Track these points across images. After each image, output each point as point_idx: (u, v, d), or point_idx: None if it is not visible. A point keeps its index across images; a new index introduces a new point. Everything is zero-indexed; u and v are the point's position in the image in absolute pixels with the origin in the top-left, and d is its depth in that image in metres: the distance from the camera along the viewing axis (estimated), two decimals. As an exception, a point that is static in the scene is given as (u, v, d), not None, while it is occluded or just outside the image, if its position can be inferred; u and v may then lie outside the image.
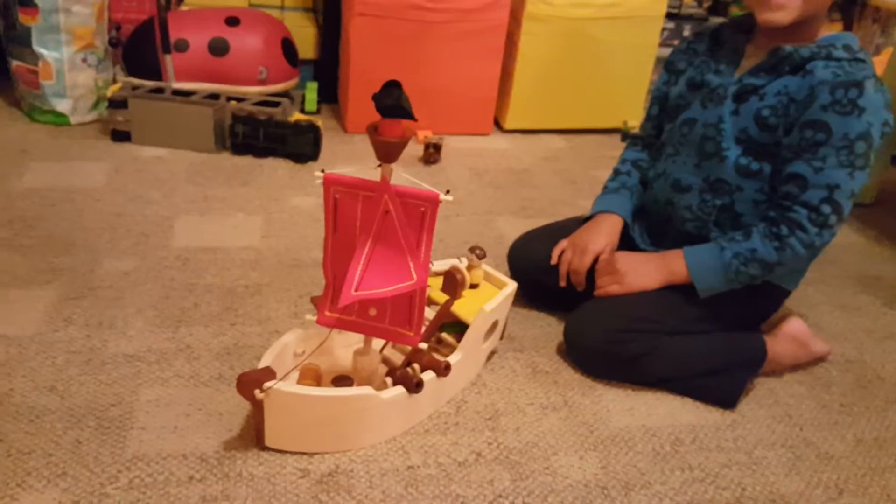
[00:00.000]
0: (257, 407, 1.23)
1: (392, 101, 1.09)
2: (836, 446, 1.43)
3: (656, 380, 1.51)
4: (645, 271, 1.52)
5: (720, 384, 1.49)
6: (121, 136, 2.35)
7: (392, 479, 1.25)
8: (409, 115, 1.11)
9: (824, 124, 1.35)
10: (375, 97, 1.11)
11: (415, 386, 1.30)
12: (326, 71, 2.85)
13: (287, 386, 1.22)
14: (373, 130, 1.14)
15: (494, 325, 1.50)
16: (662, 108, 1.66)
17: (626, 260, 1.54)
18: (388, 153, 1.15)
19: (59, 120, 2.43)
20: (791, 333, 1.59)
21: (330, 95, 2.85)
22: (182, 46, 2.50)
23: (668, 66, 1.65)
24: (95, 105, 2.48)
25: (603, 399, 1.49)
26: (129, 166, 2.22)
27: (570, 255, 1.60)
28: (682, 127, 1.54)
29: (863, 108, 1.33)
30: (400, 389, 1.30)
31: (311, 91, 2.69)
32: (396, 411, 1.32)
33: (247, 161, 2.33)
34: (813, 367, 1.65)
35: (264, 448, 1.28)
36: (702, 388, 1.50)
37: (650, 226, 1.64)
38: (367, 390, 1.26)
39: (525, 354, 1.59)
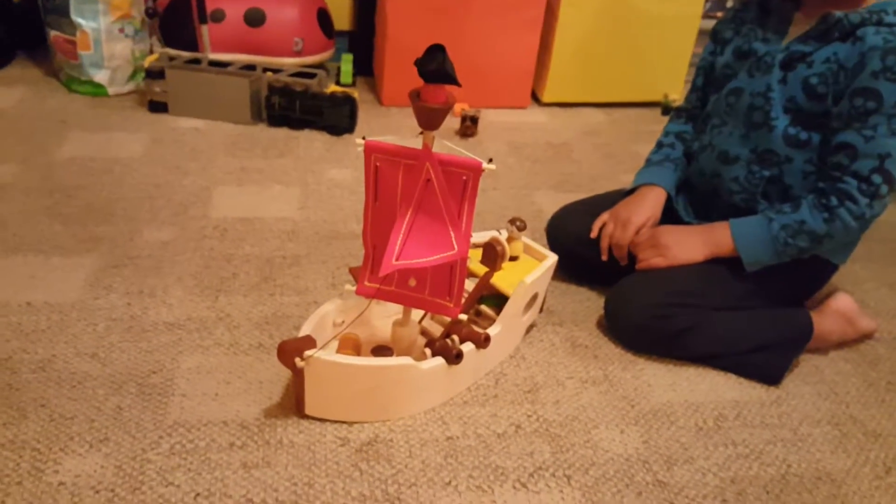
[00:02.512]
0: (297, 375, 1.23)
1: (436, 66, 1.07)
2: (884, 424, 1.40)
3: (700, 356, 1.49)
4: (690, 244, 1.49)
5: (765, 361, 1.47)
6: (158, 107, 2.35)
7: (431, 449, 1.24)
8: (453, 81, 1.09)
9: (875, 92, 1.31)
10: (418, 62, 1.09)
11: (454, 357, 1.29)
12: (362, 43, 2.83)
13: (327, 354, 1.22)
14: (415, 97, 1.12)
15: (534, 297, 1.49)
16: (708, 79, 1.62)
17: (670, 232, 1.51)
18: (430, 120, 1.13)
19: (97, 91, 2.43)
20: (838, 309, 1.56)
21: (365, 68, 2.83)
22: (218, 17, 2.49)
23: (714, 36, 1.61)
24: (132, 76, 2.48)
25: (644, 374, 1.47)
26: (167, 137, 2.22)
27: (611, 228, 1.57)
28: (729, 97, 1.50)
29: None
30: (439, 360, 1.29)
31: (347, 63, 2.68)
32: (435, 382, 1.31)
33: (283, 133, 2.32)
34: (859, 345, 1.61)
35: (304, 416, 1.27)
36: (746, 364, 1.47)
37: (695, 199, 1.61)
38: (406, 360, 1.25)
39: (564, 328, 1.58)
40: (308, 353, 1.19)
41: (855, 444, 1.35)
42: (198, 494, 1.13)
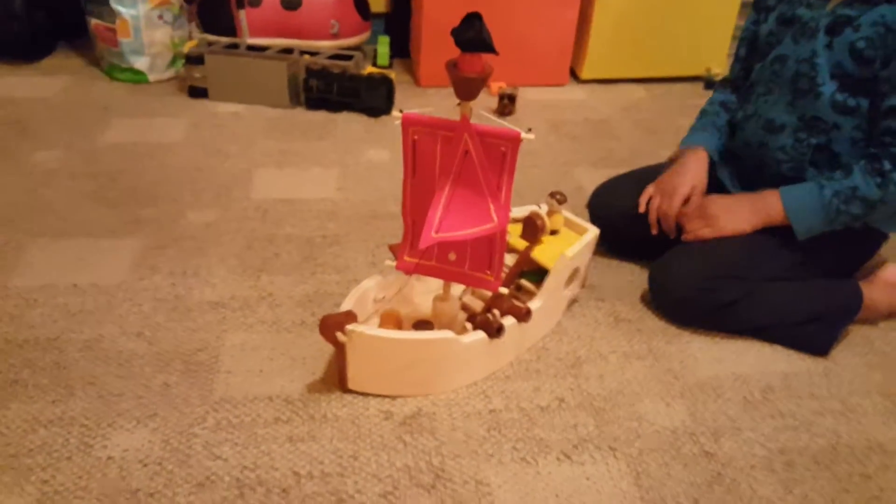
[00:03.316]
0: (340, 350, 1.23)
1: (473, 34, 1.06)
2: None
3: (747, 328, 1.47)
4: (739, 213, 1.46)
5: (814, 332, 1.44)
6: (198, 92, 2.37)
7: (475, 422, 1.24)
8: (490, 49, 1.08)
9: None
10: (455, 31, 1.08)
11: (496, 331, 1.29)
12: (398, 25, 2.82)
13: (369, 329, 1.22)
14: (452, 66, 1.11)
15: (575, 271, 1.47)
16: (752, 48, 1.59)
17: (718, 202, 1.49)
18: (468, 90, 1.12)
19: (138, 77, 2.46)
20: (888, 280, 1.52)
21: (402, 50, 2.82)
22: (255, 1, 2.50)
23: (756, 5, 1.58)
24: (172, 62, 2.50)
25: (689, 347, 1.45)
26: (207, 122, 2.24)
27: (658, 201, 1.55)
28: (774, 64, 1.47)
29: None
30: (480, 334, 1.28)
31: (384, 45, 2.67)
32: (477, 356, 1.31)
33: (321, 116, 2.33)
34: (911, 316, 1.58)
35: (347, 391, 1.28)
36: (794, 336, 1.45)
37: (741, 170, 1.58)
38: (448, 334, 1.25)
39: (607, 303, 1.56)
40: (350, 327, 1.20)
41: (907, 415, 1.32)
42: (245, 468, 1.14)
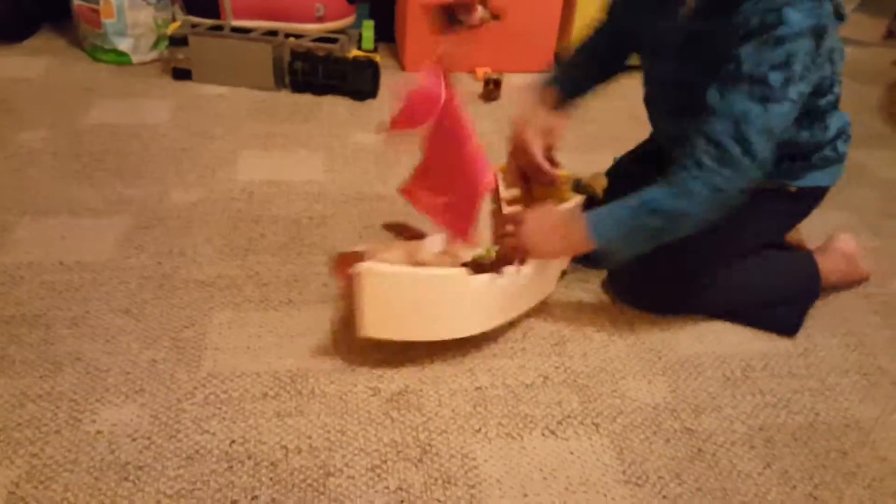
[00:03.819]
0: (353, 287, 1.22)
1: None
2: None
3: (717, 312, 1.50)
4: (549, 241, 1.34)
5: (782, 315, 1.48)
6: (182, 73, 2.36)
7: (461, 399, 1.26)
8: None
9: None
10: None
11: (520, 262, 1.33)
12: (382, 9, 2.82)
13: (382, 265, 1.23)
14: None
15: None
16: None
17: (533, 221, 1.34)
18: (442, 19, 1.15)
19: (121, 59, 2.44)
20: (842, 250, 1.57)
21: (386, 34, 2.82)
22: (240, -17, 2.49)
23: None
24: (156, 44, 2.49)
25: (671, 327, 1.47)
26: (192, 103, 2.24)
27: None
28: (653, 85, 1.49)
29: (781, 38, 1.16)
30: (488, 276, 1.30)
31: (368, 29, 2.67)
32: (487, 298, 1.32)
33: (306, 99, 2.33)
34: (888, 299, 1.60)
35: (358, 339, 1.27)
36: (763, 318, 1.48)
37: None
38: (460, 271, 1.28)
39: (591, 285, 1.58)
40: (362, 264, 1.20)
41: (883, 394, 1.35)
42: (233, 441, 1.15)
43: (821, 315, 1.52)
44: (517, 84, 2.57)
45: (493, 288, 1.31)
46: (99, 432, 1.15)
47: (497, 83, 2.41)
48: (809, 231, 1.62)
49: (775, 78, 1.16)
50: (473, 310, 1.32)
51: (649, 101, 1.53)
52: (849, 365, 1.41)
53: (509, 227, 1.35)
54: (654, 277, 1.45)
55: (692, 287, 1.45)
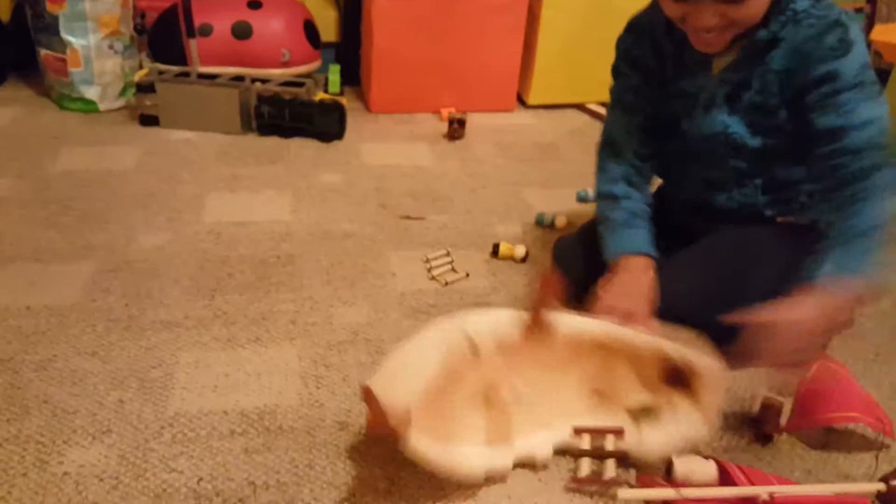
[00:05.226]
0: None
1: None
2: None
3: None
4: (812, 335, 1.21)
5: None
6: (149, 120, 2.38)
7: (429, 430, 1.27)
8: None
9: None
10: None
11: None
12: (348, 54, 2.87)
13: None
14: None
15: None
16: (647, 116, 1.51)
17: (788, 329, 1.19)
18: None
19: (89, 107, 2.46)
20: None
21: (352, 78, 2.86)
22: (206, 31, 2.53)
23: (618, 70, 1.55)
24: (123, 91, 2.51)
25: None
26: (159, 149, 2.25)
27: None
28: (680, 144, 1.47)
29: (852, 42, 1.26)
30: None
31: (335, 73, 2.71)
32: None
33: (273, 141, 2.36)
34: (846, 321, 1.64)
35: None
36: None
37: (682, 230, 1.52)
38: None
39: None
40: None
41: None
42: (200, 479, 1.15)
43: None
44: (480, 123, 2.61)
45: None
46: (66, 473, 1.14)
47: (461, 122, 2.46)
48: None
49: (870, 77, 1.27)
50: None
51: (679, 156, 1.50)
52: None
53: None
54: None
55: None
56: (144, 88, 2.35)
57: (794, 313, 1.18)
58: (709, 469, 1.17)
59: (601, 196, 1.52)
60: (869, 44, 3.05)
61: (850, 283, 1.21)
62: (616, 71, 1.55)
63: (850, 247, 1.25)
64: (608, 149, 1.54)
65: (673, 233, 1.50)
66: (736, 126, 1.38)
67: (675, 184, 1.57)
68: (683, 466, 1.17)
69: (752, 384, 1.41)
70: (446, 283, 1.67)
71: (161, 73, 2.41)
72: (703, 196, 1.50)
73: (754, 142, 1.39)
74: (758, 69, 1.33)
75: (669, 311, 1.32)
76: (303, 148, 2.33)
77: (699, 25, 1.26)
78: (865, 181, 1.26)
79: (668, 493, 1.13)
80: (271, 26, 2.59)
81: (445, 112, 2.56)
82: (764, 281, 1.32)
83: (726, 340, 1.24)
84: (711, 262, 1.43)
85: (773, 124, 1.36)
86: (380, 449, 1.22)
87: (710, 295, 1.33)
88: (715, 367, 1.22)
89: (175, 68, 2.47)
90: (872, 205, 1.25)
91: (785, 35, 1.29)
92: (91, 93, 2.44)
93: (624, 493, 1.13)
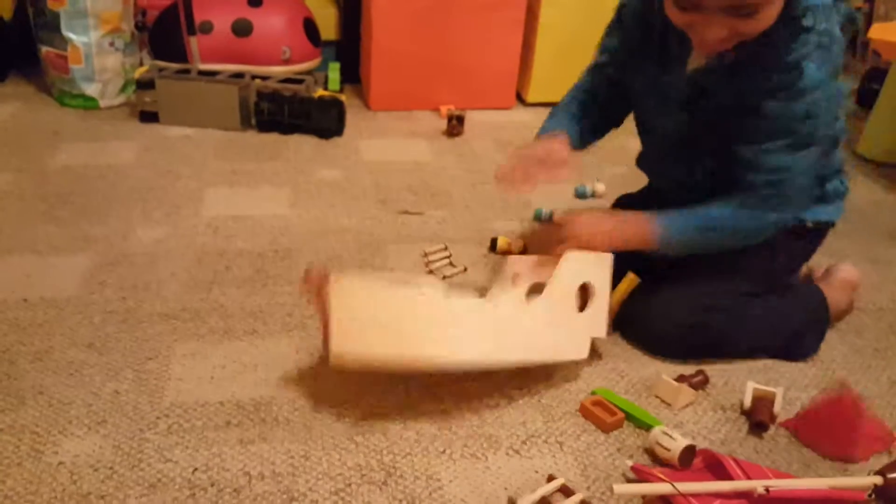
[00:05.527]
0: (323, 306, 1.21)
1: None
2: (871, 388, 1.43)
3: (732, 355, 1.47)
4: (602, 232, 1.37)
5: (801, 346, 1.50)
6: (149, 116, 2.38)
7: (425, 422, 1.27)
8: None
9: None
10: None
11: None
12: (348, 51, 2.87)
13: (353, 278, 1.22)
14: None
15: (586, 290, 1.38)
16: (620, 66, 1.53)
17: (580, 220, 1.37)
18: None
19: (89, 104, 2.47)
20: (846, 279, 1.61)
21: (352, 76, 2.87)
22: (206, 28, 2.53)
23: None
24: (123, 88, 2.52)
25: (633, 348, 1.49)
26: (158, 145, 2.26)
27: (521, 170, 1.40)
28: (651, 134, 1.52)
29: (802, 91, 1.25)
30: (472, 299, 1.30)
31: (334, 71, 2.71)
32: (469, 330, 1.26)
33: (273, 138, 2.36)
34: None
35: (323, 368, 1.27)
36: (783, 354, 1.48)
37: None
38: (438, 292, 1.25)
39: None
40: (334, 275, 1.20)
41: (842, 406, 1.37)
42: (196, 469, 1.15)
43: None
44: (479, 120, 2.61)
45: (482, 316, 1.28)
46: (61, 463, 1.14)
47: (460, 119, 2.46)
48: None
49: (807, 127, 1.27)
50: (454, 339, 1.25)
51: (650, 150, 1.56)
52: (808, 380, 1.43)
53: (558, 227, 1.37)
54: (678, 324, 1.44)
55: (714, 331, 1.44)
56: (144, 85, 2.35)
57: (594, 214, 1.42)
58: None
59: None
60: (866, 43, 3.06)
61: (655, 234, 1.36)
62: (608, 28, 1.56)
63: (687, 217, 1.37)
64: (587, 72, 1.62)
65: None
66: (702, 130, 1.39)
67: (656, 180, 1.62)
68: None
69: (744, 378, 1.41)
70: (444, 277, 1.67)
71: (161, 69, 2.41)
72: (680, 195, 1.47)
73: (714, 144, 1.38)
74: (727, 86, 1.32)
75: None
76: (302, 144, 2.33)
77: (707, 37, 1.24)
78: (750, 194, 1.33)
79: (664, 487, 1.13)
80: (271, 24, 2.59)
81: (444, 109, 2.56)
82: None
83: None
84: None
85: (738, 131, 1.34)
86: (376, 439, 1.22)
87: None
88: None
89: (175, 65, 2.47)
90: (738, 213, 1.34)
91: (758, 59, 1.27)
92: (91, 89, 2.45)
93: (620, 487, 1.12)
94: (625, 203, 1.72)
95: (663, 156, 1.53)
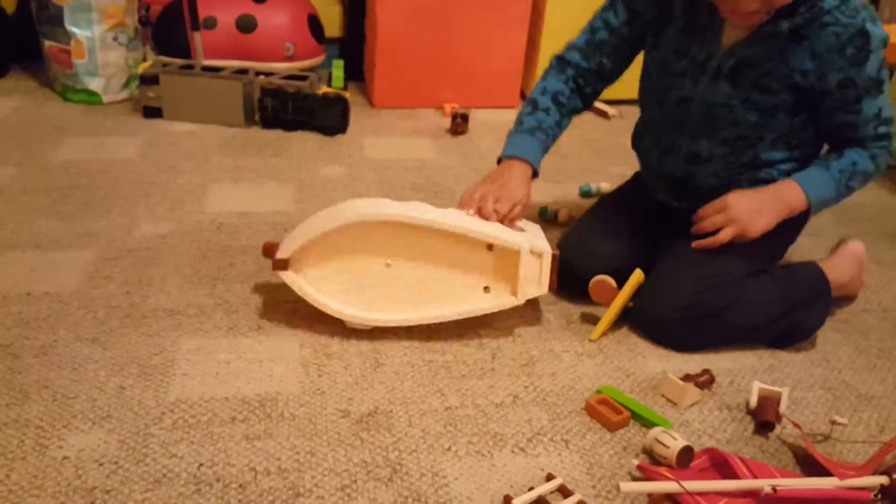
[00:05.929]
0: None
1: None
2: (876, 388, 1.42)
3: (737, 335, 1.48)
4: (763, 213, 1.42)
5: (804, 320, 1.51)
6: (152, 112, 2.38)
7: (431, 419, 1.26)
8: None
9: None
10: None
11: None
12: (352, 49, 2.87)
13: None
14: None
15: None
16: (615, 47, 1.55)
17: (742, 203, 1.43)
18: None
19: (92, 99, 2.46)
20: (854, 253, 1.64)
21: (356, 73, 2.86)
22: (210, 24, 2.53)
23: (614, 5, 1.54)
24: (126, 84, 2.51)
25: (638, 346, 1.49)
26: (162, 140, 2.25)
27: (494, 207, 1.45)
28: (680, 106, 1.49)
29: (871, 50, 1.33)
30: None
31: (338, 68, 2.71)
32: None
33: (276, 134, 2.35)
34: (849, 317, 1.63)
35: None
36: (786, 329, 1.49)
37: (673, 189, 1.60)
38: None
39: (558, 307, 1.60)
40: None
41: (848, 406, 1.37)
42: (201, 464, 1.14)
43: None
44: (483, 118, 2.61)
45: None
46: (66, 458, 1.14)
47: (465, 117, 2.45)
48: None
49: (881, 75, 1.37)
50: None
51: (663, 123, 1.55)
52: (814, 380, 1.43)
53: (713, 212, 1.44)
54: (679, 306, 1.45)
55: (716, 309, 1.44)
56: (148, 80, 2.34)
57: (745, 195, 1.44)
58: None
59: (528, 99, 1.62)
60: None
61: (806, 199, 1.43)
62: (610, 2, 1.54)
63: (825, 171, 1.44)
64: (558, 63, 1.62)
65: (656, 215, 1.63)
66: (736, 100, 1.42)
67: (662, 156, 1.58)
68: None
69: (749, 377, 1.41)
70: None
71: (165, 65, 2.40)
72: (688, 170, 1.53)
73: (750, 117, 1.42)
74: (770, 54, 1.37)
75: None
76: (305, 141, 2.32)
77: (740, 7, 1.28)
78: (860, 146, 1.44)
79: (670, 485, 1.12)
80: (276, 20, 2.58)
81: (448, 107, 2.56)
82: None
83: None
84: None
85: (771, 104, 1.40)
86: (382, 436, 1.22)
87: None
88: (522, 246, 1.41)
89: (179, 61, 2.47)
90: (868, 156, 1.44)
91: (809, 35, 1.33)
92: (95, 84, 2.44)
93: (626, 485, 1.12)
94: (612, 202, 1.72)
95: (681, 127, 1.51)
